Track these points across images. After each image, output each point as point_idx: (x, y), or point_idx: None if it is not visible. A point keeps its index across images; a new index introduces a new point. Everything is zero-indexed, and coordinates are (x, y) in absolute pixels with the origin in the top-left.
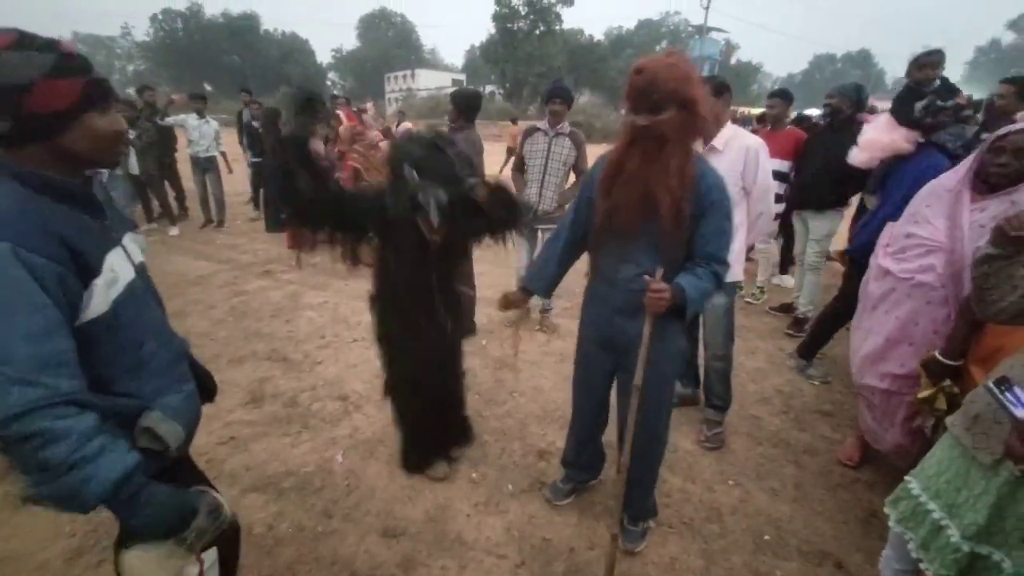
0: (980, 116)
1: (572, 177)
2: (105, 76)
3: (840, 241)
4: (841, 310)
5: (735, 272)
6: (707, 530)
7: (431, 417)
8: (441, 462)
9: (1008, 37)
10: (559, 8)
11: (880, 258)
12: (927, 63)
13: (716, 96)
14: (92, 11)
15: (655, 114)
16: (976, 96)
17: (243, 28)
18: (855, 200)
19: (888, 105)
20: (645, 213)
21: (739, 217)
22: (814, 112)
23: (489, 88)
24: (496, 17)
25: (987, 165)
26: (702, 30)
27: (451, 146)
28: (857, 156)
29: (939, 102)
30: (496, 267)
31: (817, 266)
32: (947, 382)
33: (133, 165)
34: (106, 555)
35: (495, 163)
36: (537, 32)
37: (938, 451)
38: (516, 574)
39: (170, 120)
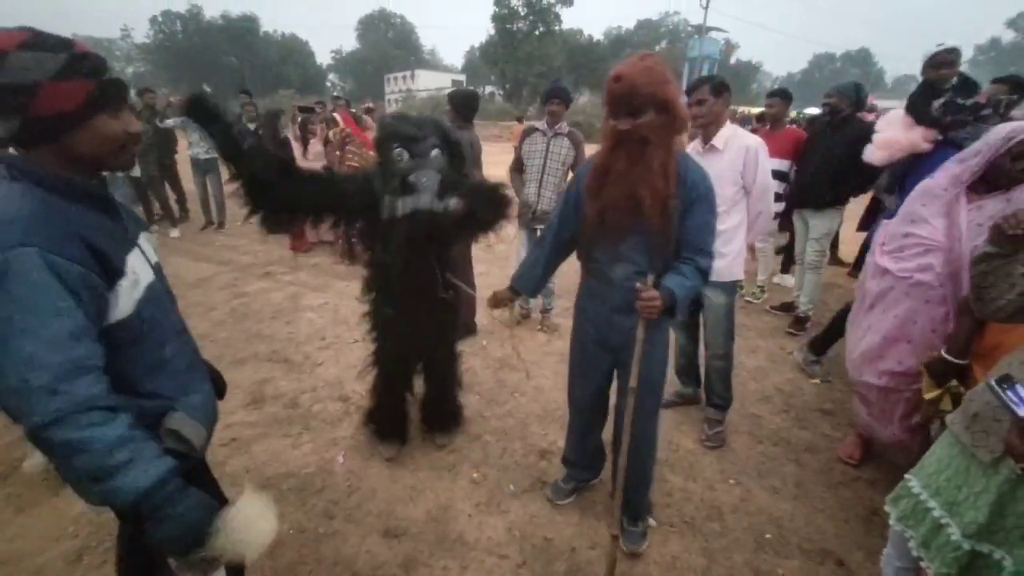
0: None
1: (570, 177)
2: (119, 77)
3: (847, 251)
4: None
5: (736, 271)
6: (708, 529)
7: (405, 383)
8: (395, 443)
9: (1008, 35)
10: (558, 8)
11: (877, 256)
12: (943, 61)
13: (716, 96)
14: (92, 13)
15: (635, 118)
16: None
17: (242, 30)
18: (856, 200)
19: (887, 104)
20: (634, 212)
21: (739, 216)
22: (814, 112)
23: (489, 89)
24: (495, 18)
25: (1002, 168)
26: (701, 30)
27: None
28: (875, 154)
29: (959, 100)
30: (496, 267)
31: (817, 265)
32: (953, 382)
33: (134, 167)
34: (108, 556)
35: (495, 163)
36: (536, 32)
37: (938, 449)
38: (518, 574)
39: (169, 122)
